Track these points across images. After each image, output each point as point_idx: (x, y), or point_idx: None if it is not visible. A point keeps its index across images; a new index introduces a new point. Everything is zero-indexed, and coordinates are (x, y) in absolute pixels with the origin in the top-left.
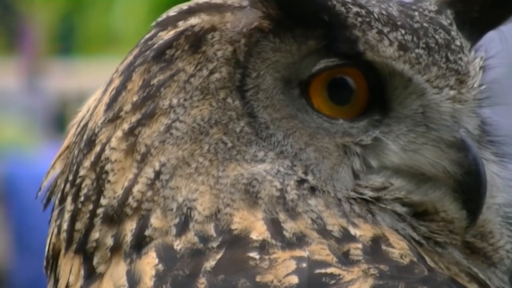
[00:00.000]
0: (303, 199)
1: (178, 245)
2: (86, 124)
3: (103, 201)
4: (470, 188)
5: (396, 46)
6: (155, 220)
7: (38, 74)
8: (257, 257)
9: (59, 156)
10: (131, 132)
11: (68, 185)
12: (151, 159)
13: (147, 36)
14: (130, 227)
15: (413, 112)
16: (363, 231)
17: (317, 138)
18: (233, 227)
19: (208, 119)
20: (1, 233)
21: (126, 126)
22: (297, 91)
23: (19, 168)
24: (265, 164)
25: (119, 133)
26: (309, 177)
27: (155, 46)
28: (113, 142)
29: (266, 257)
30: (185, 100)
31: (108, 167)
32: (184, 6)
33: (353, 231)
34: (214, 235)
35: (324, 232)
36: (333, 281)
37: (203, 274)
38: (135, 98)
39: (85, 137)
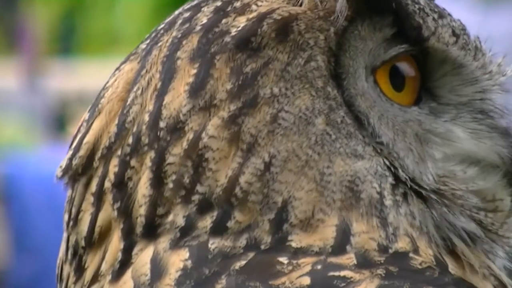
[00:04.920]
0: (396, 207)
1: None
2: (139, 112)
3: (201, 189)
4: None
5: (450, 32)
6: (239, 214)
7: (38, 74)
8: (286, 262)
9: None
10: (233, 121)
11: (129, 171)
12: (259, 149)
13: (208, 23)
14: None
15: (468, 99)
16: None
17: (398, 128)
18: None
19: (312, 109)
20: (1, 233)
21: (224, 114)
22: (372, 78)
23: (19, 169)
24: (365, 161)
25: (216, 121)
26: (401, 177)
27: (232, 33)
28: (211, 130)
29: (294, 261)
30: (286, 89)
31: (208, 155)
32: None
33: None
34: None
35: (382, 247)
36: (343, 284)
37: (227, 274)
38: (229, 86)
39: (150, 124)
